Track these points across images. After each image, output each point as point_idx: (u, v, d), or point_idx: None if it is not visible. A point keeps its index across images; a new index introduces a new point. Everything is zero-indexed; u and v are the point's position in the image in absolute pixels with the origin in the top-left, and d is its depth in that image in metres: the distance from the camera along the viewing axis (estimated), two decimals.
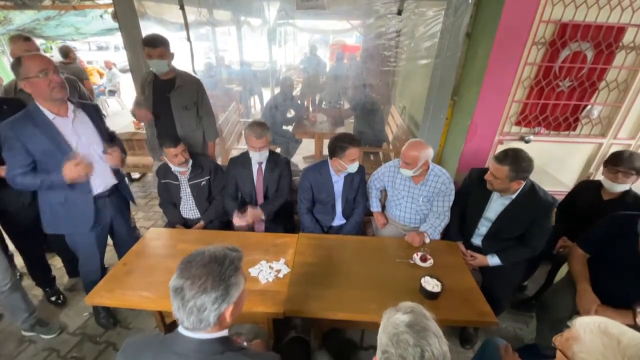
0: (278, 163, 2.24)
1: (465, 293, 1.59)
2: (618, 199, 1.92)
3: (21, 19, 4.19)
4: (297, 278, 1.66)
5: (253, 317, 1.60)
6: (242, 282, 0.91)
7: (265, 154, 2.12)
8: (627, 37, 2.03)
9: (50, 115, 1.53)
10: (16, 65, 1.44)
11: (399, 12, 2.25)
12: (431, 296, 1.53)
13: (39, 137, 1.51)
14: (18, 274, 2.43)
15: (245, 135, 2.07)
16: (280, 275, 1.67)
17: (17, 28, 4.03)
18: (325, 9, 2.23)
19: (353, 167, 1.99)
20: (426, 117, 2.57)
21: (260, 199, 2.29)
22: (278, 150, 3.70)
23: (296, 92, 6.30)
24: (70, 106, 1.62)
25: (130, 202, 2.07)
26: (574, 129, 2.33)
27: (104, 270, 2.01)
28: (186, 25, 2.49)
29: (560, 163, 2.44)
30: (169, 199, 2.30)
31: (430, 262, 1.77)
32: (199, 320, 0.83)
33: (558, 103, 2.23)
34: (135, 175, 4.23)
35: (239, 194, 2.34)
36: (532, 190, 1.80)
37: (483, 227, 2.00)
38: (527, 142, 2.33)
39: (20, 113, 1.52)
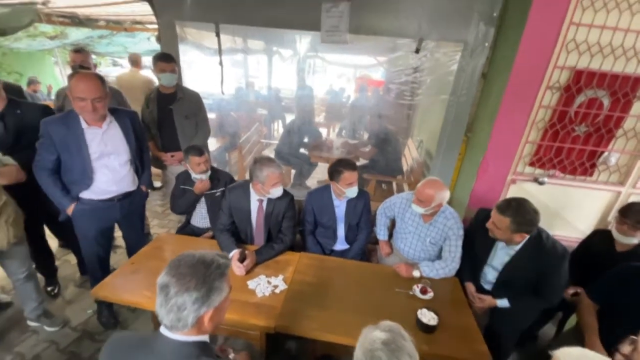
0: (281, 200, 2.01)
1: (463, 330, 1.54)
2: (631, 251, 1.84)
3: (76, 35, 4.68)
4: (293, 295, 1.66)
5: (247, 334, 1.60)
6: (225, 289, 0.93)
7: (282, 189, 1.95)
8: None
9: (84, 125, 1.70)
10: (70, 77, 1.65)
11: (417, 51, 2.37)
12: (426, 329, 1.49)
13: (67, 140, 1.69)
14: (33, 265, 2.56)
15: (264, 177, 1.84)
16: (277, 290, 1.68)
17: (72, 42, 4.50)
18: (347, 44, 2.39)
19: (351, 192, 2.02)
20: (439, 151, 2.60)
21: (259, 241, 2.11)
22: (292, 172, 3.81)
23: (319, 119, 6.55)
24: (108, 118, 1.79)
25: (147, 209, 2.19)
26: (591, 175, 2.28)
27: (108, 270, 2.10)
28: (219, 51, 2.71)
29: (577, 209, 2.38)
30: (181, 206, 2.38)
31: (430, 295, 1.74)
32: (178, 319, 0.85)
33: (573, 147, 2.22)
34: (157, 184, 4.43)
35: (233, 228, 2.09)
36: (538, 242, 1.70)
37: (490, 275, 1.93)
38: (540, 183, 2.30)
39: (63, 114, 1.73)
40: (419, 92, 2.74)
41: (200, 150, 2.16)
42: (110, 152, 1.79)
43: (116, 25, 5.01)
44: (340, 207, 2.17)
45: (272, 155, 3.98)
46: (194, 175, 2.22)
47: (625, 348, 0.88)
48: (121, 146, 1.84)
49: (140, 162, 2.02)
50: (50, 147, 1.69)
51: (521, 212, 1.62)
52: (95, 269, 2.01)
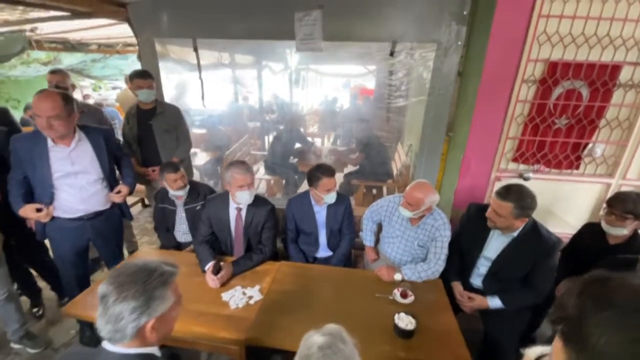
0: (260, 210, 1.98)
1: (443, 334, 1.48)
2: (624, 243, 1.77)
3: (69, 60, 4.81)
4: (268, 306, 1.62)
5: (227, 348, 1.55)
6: (169, 298, 0.90)
7: (254, 192, 1.94)
8: (624, 75, 1.99)
9: (50, 143, 1.72)
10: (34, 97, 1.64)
11: (391, 54, 2.37)
12: (404, 334, 1.44)
13: (32, 156, 1.71)
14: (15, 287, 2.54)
15: (229, 177, 1.85)
16: (252, 302, 1.64)
17: (66, 68, 4.61)
18: (322, 51, 2.40)
19: (329, 198, 1.99)
20: (422, 152, 2.57)
21: (239, 251, 2.07)
22: (283, 181, 3.79)
23: (314, 129, 6.58)
24: (78, 136, 1.79)
25: (135, 227, 2.18)
26: (577, 168, 2.23)
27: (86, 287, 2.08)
28: (198, 66, 2.75)
29: (566, 203, 2.31)
30: (163, 223, 2.39)
31: (410, 299, 1.68)
32: (115, 330, 0.82)
33: (556, 140, 2.17)
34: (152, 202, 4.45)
35: (213, 239, 2.08)
36: (534, 229, 1.71)
37: (482, 267, 1.89)
38: (525, 179, 2.25)
39: (33, 131, 1.75)
40: (397, 95, 2.73)
41: (176, 166, 2.15)
42: (77, 171, 1.79)
43: (108, 49, 5.14)
44: (320, 213, 2.13)
45: (262, 166, 3.98)
46: (171, 192, 2.21)
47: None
48: (91, 165, 1.83)
49: (120, 172, 2.05)
50: (17, 163, 1.72)
51: (523, 195, 1.62)
52: (73, 287, 1.99)
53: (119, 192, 1.97)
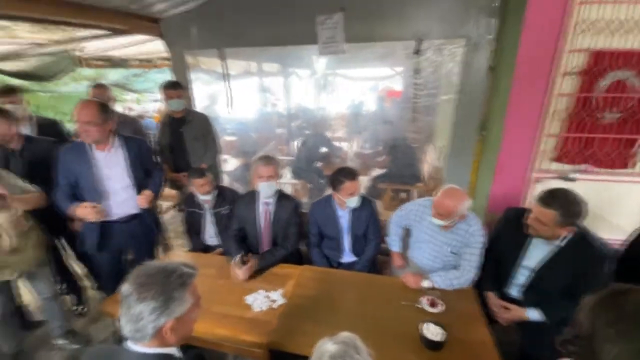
0: (287, 206, 2.07)
1: (476, 347, 1.37)
2: None
3: (114, 75, 5.22)
4: (290, 310, 1.60)
5: (251, 352, 1.55)
6: (187, 300, 0.90)
7: (274, 185, 2.00)
8: None
9: (91, 149, 1.84)
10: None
11: (417, 52, 2.29)
12: (432, 345, 1.35)
13: (76, 164, 1.83)
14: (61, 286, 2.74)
15: (253, 169, 1.99)
16: (275, 305, 1.63)
17: (111, 83, 5.00)
18: (344, 54, 2.38)
19: (352, 202, 1.94)
20: (452, 153, 2.45)
21: (267, 246, 2.12)
22: (309, 186, 3.80)
23: (341, 134, 6.56)
24: (115, 142, 1.90)
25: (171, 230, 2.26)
26: (632, 166, 2.00)
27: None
28: (225, 75, 2.85)
29: (618, 206, 2.08)
30: (193, 227, 2.46)
31: (440, 308, 1.58)
32: (136, 329, 0.84)
33: (606, 137, 1.97)
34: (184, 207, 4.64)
35: (243, 235, 2.16)
36: (584, 237, 1.54)
37: (521, 277, 1.75)
38: (570, 180, 2.06)
39: (72, 143, 1.90)
40: (424, 94, 2.63)
41: (202, 172, 2.22)
42: (112, 176, 1.90)
43: (147, 63, 5.50)
44: (344, 218, 2.09)
45: (288, 171, 4.02)
46: (200, 197, 2.28)
47: None
48: (123, 171, 1.93)
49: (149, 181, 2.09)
50: (63, 172, 1.85)
51: (569, 202, 1.47)
52: (111, 287, 2.09)
53: (143, 194, 2.00)
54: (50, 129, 2.48)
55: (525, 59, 1.85)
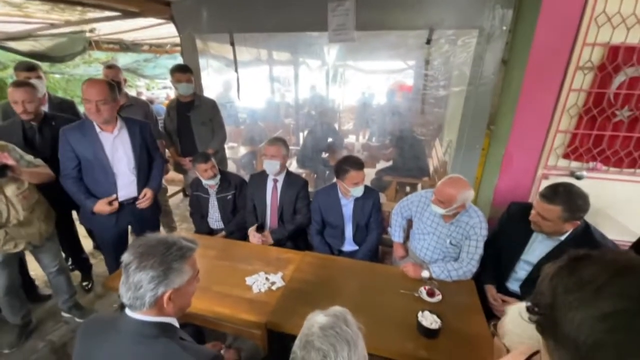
0: (295, 183, 2.24)
1: (472, 337, 1.37)
2: None
3: (125, 59, 5.24)
4: (289, 293, 1.62)
5: (250, 332, 1.58)
6: (186, 272, 0.92)
7: (275, 164, 2.11)
8: None
9: (97, 129, 1.84)
10: (83, 85, 1.77)
11: (428, 42, 2.26)
12: (427, 333, 1.36)
13: (84, 144, 1.82)
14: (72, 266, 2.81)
15: (261, 148, 2.14)
16: (274, 287, 1.65)
17: (122, 67, 5.04)
18: (354, 41, 2.36)
19: (356, 191, 1.95)
20: (460, 146, 2.43)
21: (274, 220, 2.29)
22: (314, 176, 3.80)
23: (349, 126, 6.53)
24: (119, 124, 1.90)
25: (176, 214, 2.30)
26: None
27: None
28: (234, 59, 2.84)
29: (627, 206, 2.04)
30: (198, 210, 2.50)
31: (438, 298, 1.58)
32: (135, 297, 0.86)
33: (617, 135, 1.93)
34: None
35: (255, 211, 2.35)
36: (586, 232, 1.54)
37: (522, 271, 1.76)
38: (578, 178, 2.02)
39: (77, 122, 1.89)
40: (434, 86, 2.59)
41: (206, 157, 2.24)
42: (120, 157, 1.91)
43: (158, 49, 5.52)
44: (347, 207, 2.10)
45: (295, 160, 4.03)
46: (204, 182, 2.30)
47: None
48: (126, 153, 1.93)
49: (149, 169, 2.09)
50: (69, 154, 1.83)
51: (572, 197, 1.47)
52: (116, 267, 2.14)
53: (144, 195, 2.03)
54: (66, 109, 2.52)
55: (539, 52, 1.80)
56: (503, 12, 2.04)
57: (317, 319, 0.77)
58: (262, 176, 2.28)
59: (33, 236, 1.87)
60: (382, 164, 3.68)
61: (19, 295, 2.04)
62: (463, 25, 2.16)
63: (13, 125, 2.04)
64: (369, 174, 3.38)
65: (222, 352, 1.35)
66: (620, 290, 0.39)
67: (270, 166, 2.13)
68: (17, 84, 1.95)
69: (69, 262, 2.63)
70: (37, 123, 2.06)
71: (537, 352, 0.54)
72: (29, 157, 1.84)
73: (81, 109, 2.81)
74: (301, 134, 6.07)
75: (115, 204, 1.93)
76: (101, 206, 1.90)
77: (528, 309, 0.48)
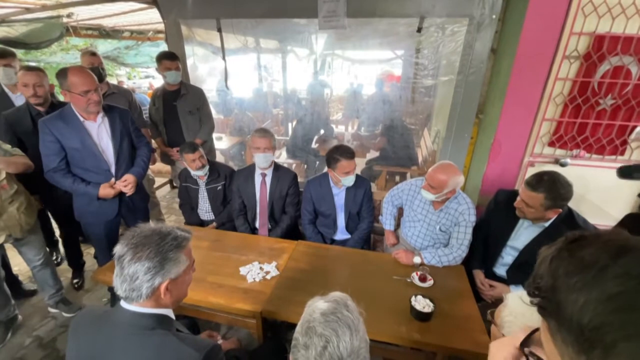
0: (284, 177, 2.18)
1: (463, 320, 1.42)
2: None
3: (105, 46, 5.02)
4: (284, 282, 1.63)
5: (244, 322, 1.58)
6: (183, 261, 0.91)
7: (270, 157, 2.08)
8: None
9: (80, 118, 1.76)
10: (61, 75, 1.65)
11: (419, 30, 2.25)
12: (420, 317, 1.39)
13: (69, 133, 1.73)
14: (59, 257, 2.73)
15: (250, 141, 2.08)
16: (268, 277, 1.66)
17: (102, 55, 4.83)
18: (345, 29, 2.33)
19: (347, 180, 1.95)
20: (449, 135, 2.45)
21: (264, 216, 2.23)
22: (304, 166, 3.79)
23: (338, 116, 6.51)
24: (101, 113, 1.82)
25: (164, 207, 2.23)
26: (622, 153, 2.04)
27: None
28: (222, 46, 2.76)
29: (607, 192, 2.13)
30: (187, 201, 2.46)
31: (429, 283, 1.62)
32: (131, 289, 0.85)
33: (600, 123, 1.99)
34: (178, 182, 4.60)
35: (245, 209, 2.29)
36: (569, 218, 1.59)
37: (508, 256, 1.81)
38: (562, 165, 2.09)
39: (55, 112, 1.76)
40: (424, 75, 2.60)
41: (194, 147, 2.18)
42: (106, 145, 1.85)
43: (140, 36, 5.30)
44: (339, 196, 2.10)
45: (284, 151, 4.00)
46: (193, 172, 2.26)
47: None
48: (109, 142, 1.86)
49: (132, 157, 2.01)
50: (53, 145, 1.72)
51: (555, 185, 1.51)
52: (106, 259, 2.09)
53: (124, 181, 1.91)
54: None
55: (528, 40, 1.82)
56: (493, 0, 2.04)
57: (318, 304, 0.78)
58: (249, 171, 2.21)
59: (13, 228, 1.81)
60: (372, 154, 3.69)
61: (2, 290, 1.98)
62: (453, 13, 2.16)
63: (21, 112, 2.04)
64: (360, 163, 3.40)
65: (219, 342, 1.35)
66: (623, 271, 0.40)
67: (264, 159, 2.07)
68: (28, 68, 1.99)
69: (54, 257, 2.56)
70: (45, 109, 2.03)
71: (537, 330, 0.55)
72: (7, 146, 1.77)
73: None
74: (290, 124, 6.03)
75: (117, 187, 1.88)
76: (106, 190, 1.84)
77: (529, 293, 0.49)
